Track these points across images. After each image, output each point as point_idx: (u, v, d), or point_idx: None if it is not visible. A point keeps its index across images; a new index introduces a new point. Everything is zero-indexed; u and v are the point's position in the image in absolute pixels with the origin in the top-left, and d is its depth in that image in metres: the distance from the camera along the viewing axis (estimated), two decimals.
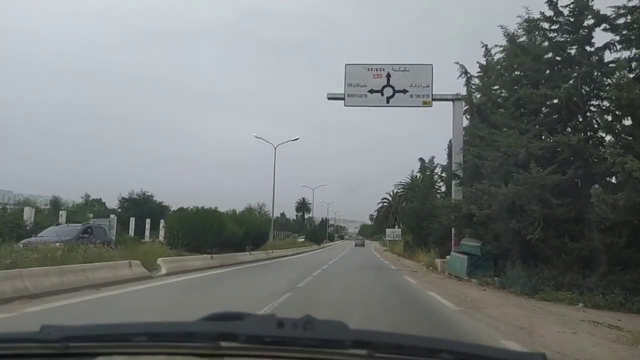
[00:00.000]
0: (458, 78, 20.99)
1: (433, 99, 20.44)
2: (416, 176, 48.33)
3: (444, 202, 20.37)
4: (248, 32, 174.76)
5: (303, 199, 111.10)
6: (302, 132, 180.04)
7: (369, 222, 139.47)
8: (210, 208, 23.70)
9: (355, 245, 73.98)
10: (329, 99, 20.97)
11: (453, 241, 19.47)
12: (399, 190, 66.94)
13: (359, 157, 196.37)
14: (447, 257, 19.74)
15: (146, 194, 41.58)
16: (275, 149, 39.18)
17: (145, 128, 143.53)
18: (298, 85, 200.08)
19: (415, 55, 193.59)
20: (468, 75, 20.77)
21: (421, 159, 38.60)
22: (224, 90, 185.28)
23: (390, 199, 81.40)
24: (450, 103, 20.52)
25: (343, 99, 20.65)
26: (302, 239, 65.67)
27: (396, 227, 63.25)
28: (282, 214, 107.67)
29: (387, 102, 20.22)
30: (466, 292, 12.98)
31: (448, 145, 24.28)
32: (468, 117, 20.58)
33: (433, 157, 35.92)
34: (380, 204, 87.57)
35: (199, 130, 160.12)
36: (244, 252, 24.07)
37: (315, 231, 76.64)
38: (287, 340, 1.10)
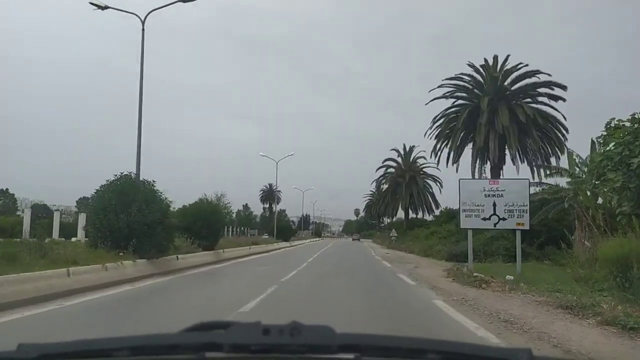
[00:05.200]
0: None
1: None
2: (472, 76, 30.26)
3: None
4: (225, 31, 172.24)
5: (270, 185, 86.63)
6: (278, 129, 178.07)
7: (354, 218, 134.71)
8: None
9: (353, 240, 77.11)
10: None
11: None
12: (440, 120, 32.13)
13: (338, 153, 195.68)
14: None
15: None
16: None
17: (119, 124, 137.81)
18: (274, 81, 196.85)
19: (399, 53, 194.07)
20: None
21: None
22: (200, 88, 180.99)
23: (400, 157, 53.46)
24: None
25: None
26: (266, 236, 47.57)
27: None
28: (245, 206, 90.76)
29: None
30: None
31: None
32: None
33: None
34: (382, 171, 56.68)
35: (171, 127, 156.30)
36: None
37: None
38: (274, 347, 1.08)
